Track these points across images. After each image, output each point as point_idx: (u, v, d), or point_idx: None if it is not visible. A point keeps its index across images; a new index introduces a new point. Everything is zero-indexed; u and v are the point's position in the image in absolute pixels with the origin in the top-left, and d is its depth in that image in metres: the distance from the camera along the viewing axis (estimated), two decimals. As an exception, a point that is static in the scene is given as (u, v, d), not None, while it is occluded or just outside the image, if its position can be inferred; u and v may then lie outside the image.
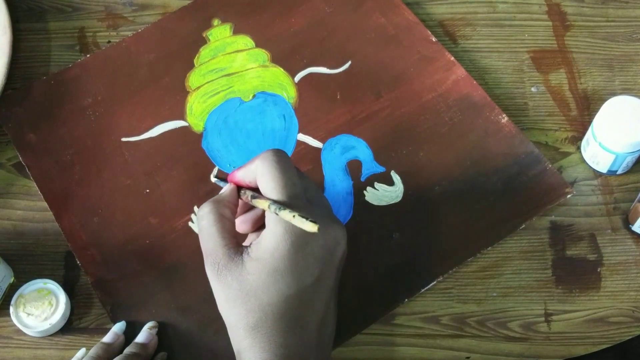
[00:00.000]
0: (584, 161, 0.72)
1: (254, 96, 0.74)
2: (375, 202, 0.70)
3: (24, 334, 0.65)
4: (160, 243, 0.68)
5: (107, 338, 0.64)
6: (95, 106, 0.74)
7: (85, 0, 0.82)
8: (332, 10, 0.79)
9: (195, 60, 0.77)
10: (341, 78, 0.75)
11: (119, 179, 0.71)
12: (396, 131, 0.72)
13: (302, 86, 0.75)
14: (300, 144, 0.72)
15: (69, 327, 0.66)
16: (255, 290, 0.54)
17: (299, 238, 0.54)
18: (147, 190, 0.70)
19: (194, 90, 0.75)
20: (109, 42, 0.79)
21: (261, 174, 0.56)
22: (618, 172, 0.71)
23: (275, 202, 0.55)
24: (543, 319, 0.66)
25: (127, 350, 0.62)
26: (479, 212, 0.69)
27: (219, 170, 0.71)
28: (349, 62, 0.76)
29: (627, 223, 0.69)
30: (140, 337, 0.64)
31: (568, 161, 0.72)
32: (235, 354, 0.56)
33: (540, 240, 0.69)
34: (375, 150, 0.72)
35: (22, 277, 0.67)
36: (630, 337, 0.65)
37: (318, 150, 0.72)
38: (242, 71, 0.76)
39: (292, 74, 0.76)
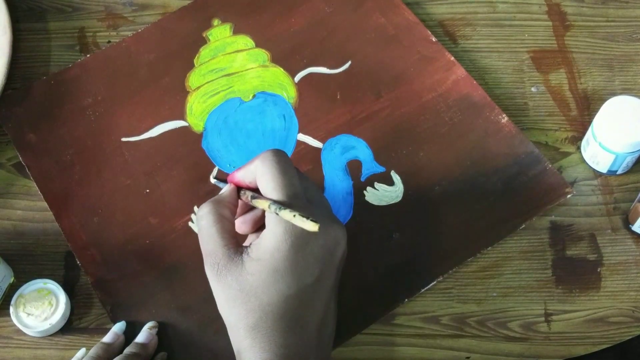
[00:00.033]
0: (584, 161, 0.72)
1: (254, 96, 0.74)
2: (375, 202, 0.70)
3: (24, 334, 0.65)
4: (160, 243, 0.68)
5: (107, 338, 0.64)
6: (95, 106, 0.74)
7: (85, 0, 0.82)
8: (332, 10, 0.79)
9: (195, 60, 0.77)
10: (341, 78, 0.75)
11: (119, 179, 0.71)
12: (396, 131, 0.72)
13: (302, 86, 0.75)
14: (300, 144, 0.72)
15: (69, 327, 0.66)
16: (255, 291, 0.54)
17: (299, 238, 0.54)
18: (147, 190, 0.70)
19: (194, 90, 0.75)
20: (109, 42, 0.79)
21: (261, 174, 0.56)
22: (618, 172, 0.71)
23: (275, 202, 0.55)
24: (543, 319, 0.66)
25: (127, 350, 0.62)
26: (479, 212, 0.69)
27: (218, 171, 0.71)
28: (349, 62, 0.76)
29: (627, 223, 0.69)
30: (140, 337, 0.64)
31: (568, 161, 0.72)
32: (235, 354, 0.56)
33: (540, 240, 0.69)
34: (375, 150, 0.72)
35: (22, 277, 0.67)
36: (630, 337, 0.65)
37: (318, 150, 0.72)
38: (242, 71, 0.76)
39: (292, 74, 0.76)
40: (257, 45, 0.77)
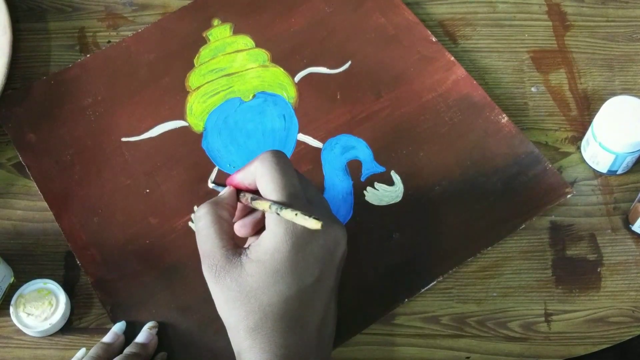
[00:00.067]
0: (584, 161, 0.72)
1: (254, 96, 0.74)
2: (375, 202, 0.70)
3: (24, 334, 0.65)
4: (160, 243, 0.68)
5: (107, 338, 0.64)
6: (95, 106, 0.74)
7: (85, 0, 0.82)
8: (332, 10, 0.79)
9: (195, 60, 0.77)
10: (341, 78, 0.75)
11: (119, 179, 0.71)
12: (396, 131, 0.72)
13: (302, 86, 0.75)
14: (300, 144, 0.72)
15: (69, 327, 0.66)
16: (255, 292, 0.54)
17: (300, 239, 0.54)
18: (147, 190, 0.70)
19: (194, 90, 0.75)
20: (109, 42, 0.79)
21: (260, 175, 0.56)
22: (618, 172, 0.71)
23: (275, 202, 0.54)
24: (543, 319, 0.66)
25: (127, 350, 0.62)
26: (479, 212, 0.69)
27: (217, 173, 0.71)
28: (349, 62, 0.76)
29: (627, 223, 0.69)
30: (140, 337, 0.64)
31: (568, 161, 0.72)
32: (236, 354, 0.56)
33: (540, 240, 0.69)
34: (375, 150, 0.72)
35: (22, 277, 0.67)
36: (630, 337, 0.65)
37: (318, 150, 0.72)
38: (242, 71, 0.76)
39: (292, 74, 0.76)
40: (257, 45, 0.77)
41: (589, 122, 0.71)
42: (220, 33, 0.78)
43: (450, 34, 0.79)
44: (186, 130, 0.73)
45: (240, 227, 0.59)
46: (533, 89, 0.76)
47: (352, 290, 0.65)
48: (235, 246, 0.56)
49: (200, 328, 0.65)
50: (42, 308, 0.65)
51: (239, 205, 0.59)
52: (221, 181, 0.64)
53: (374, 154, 0.72)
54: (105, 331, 0.64)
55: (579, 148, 0.73)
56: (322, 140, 0.72)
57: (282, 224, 0.54)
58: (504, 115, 0.73)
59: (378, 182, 0.70)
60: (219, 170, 0.71)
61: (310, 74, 0.76)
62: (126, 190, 0.70)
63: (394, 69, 0.76)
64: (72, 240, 0.68)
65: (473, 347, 0.65)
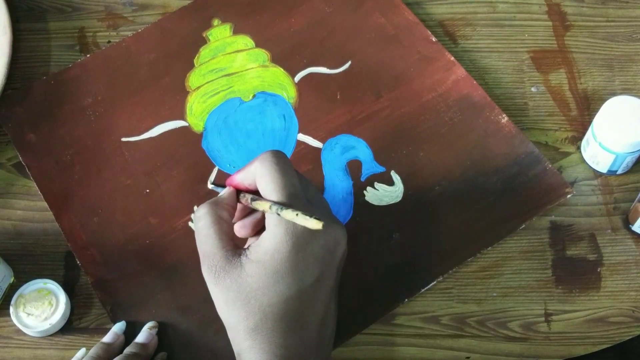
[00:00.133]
0: (584, 161, 0.72)
1: (254, 96, 0.74)
2: (375, 202, 0.70)
3: (24, 334, 0.65)
4: (160, 243, 0.68)
5: (107, 338, 0.64)
6: (95, 106, 0.74)
7: (85, 0, 0.82)
8: (332, 10, 0.79)
9: (195, 60, 0.77)
10: (341, 78, 0.75)
11: (119, 179, 0.71)
12: (396, 131, 0.72)
13: (302, 86, 0.75)
14: (300, 144, 0.72)
15: (69, 327, 0.66)
16: (255, 293, 0.54)
17: (300, 239, 0.54)
18: (147, 190, 0.70)
19: (194, 90, 0.75)
20: (109, 42, 0.79)
21: (260, 175, 0.56)
22: (618, 172, 0.71)
23: (276, 203, 0.54)
24: (543, 319, 0.66)
25: (127, 350, 0.62)
26: (479, 212, 0.69)
27: (217, 174, 0.71)
28: (349, 62, 0.76)
29: (627, 223, 0.69)
30: (140, 337, 0.64)
31: (568, 161, 0.72)
32: (236, 355, 0.56)
33: (540, 240, 0.69)
34: (375, 150, 0.72)
35: (22, 277, 0.67)
36: (630, 337, 0.65)
37: (318, 150, 0.72)
38: (242, 71, 0.76)
39: (292, 74, 0.76)
40: (257, 45, 0.77)
41: (589, 122, 0.71)
42: (220, 33, 0.78)
43: (450, 34, 0.79)
44: (186, 130, 0.73)
45: (240, 228, 0.59)
46: (533, 89, 0.76)
47: (352, 290, 0.65)
48: (235, 247, 0.56)
49: (200, 328, 0.65)
50: (42, 308, 0.65)
51: (239, 205, 0.59)
52: (221, 181, 0.64)
53: (374, 154, 0.72)
54: (105, 331, 0.64)
55: (579, 148, 0.73)
56: (322, 140, 0.72)
57: (282, 224, 0.54)
58: (504, 115, 0.73)
59: (378, 182, 0.70)
60: (219, 171, 0.71)
61: (310, 74, 0.76)
62: (126, 190, 0.70)
63: (394, 69, 0.76)
64: (72, 240, 0.68)
65: (473, 347, 0.65)
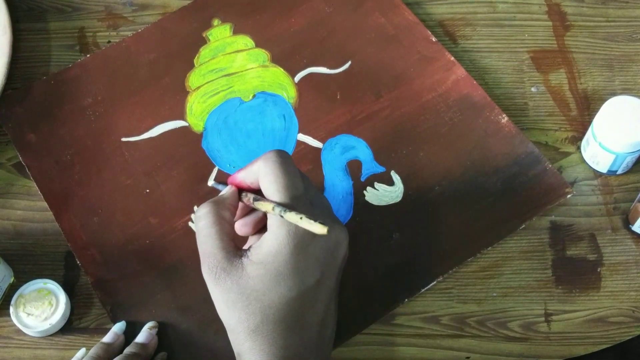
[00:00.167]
0: (584, 161, 0.72)
1: (254, 96, 0.74)
2: (375, 202, 0.70)
3: (24, 334, 0.65)
4: (160, 243, 0.68)
5: (107, 338, 0.64)
6: (95, 106, 0.74)
7: (85, 0, 0.82)
8: (332, 10, 0.79)
9: (195, 60, 0.77)
10: (341, 78, 0.75)
11: (119, 179, 0.71)
12: (396, 131, 0.72)
13: (302, 86, 0.75)
14: (300, 144, 0.72)
15: (69, 327, 0.66)
16: (256, 294, 0.54)
17: (301, 240, 0.54)
18: (147, 190, 0.70)
19: (194, 90, 0.75)
20: (109, 42, 0.79)
21: (264, 174, 0.56)
22: (618, 172, 0.71)
23: (279, 204, 0.54)
24: (543, 319, 0.66)
25: (127, 350, 0.62)
26: (479, 212, 0.69)
27: (218, 173, 0.71)
28: (349, 62, 0.76)
29: (627, 223, 0.69)
30: (140, 337, 0.64)
31: (568, 161, 0.72)
32: (236, 355, 0.56)
33: (540, 240, 0.69)
34: (375, 150, 0.72)
35: (22, 277, 0.67)
36: (630, 337, 0.65)
37: (318, 150, 0.72)
38: (242, 71, 0.76)
39: (292, 74, 0.76)
40: (257, 45, 0.77)
41: (589, 122, 0.71)
42: (220, 33, 0.78)
43: (450, 34, 0.79)
44: (186, 130, 0.73)
45: (241, 226, 0.58)
46: (533, 89, 0.76)
47: (352, 290, 0.65)
48: (236, 247, 0.56)
49: (200, 328, 0.65)
50: (42, 308, 0.65)
51: (240, 204, 0.59)
52: (221, 181, 0.64)
53: (374, 154, 0.72)
54: (105, 331, 0.64)
55: (579, 148, 0.73)
56: (322, 140, 0.72)
57: (284, 225, 0.54)
58: (504, 115, 0.73)
59: (378, 182, 0.70)
60: (219, 170, 0.71)
61: (310, 74, 0.76)
62: (126, 190, 0.70)
63: (394, 69, 0.76)
64: (72, 240, 0.68)
65: (473, 347, 0.65)
